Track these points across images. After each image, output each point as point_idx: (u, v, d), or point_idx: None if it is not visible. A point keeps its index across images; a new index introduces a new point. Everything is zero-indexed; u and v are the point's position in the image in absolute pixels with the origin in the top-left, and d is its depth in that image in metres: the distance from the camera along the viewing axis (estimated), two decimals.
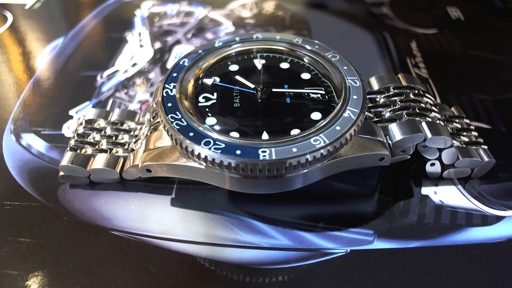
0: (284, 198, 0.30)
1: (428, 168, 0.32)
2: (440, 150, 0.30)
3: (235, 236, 0.29)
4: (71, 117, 0.38)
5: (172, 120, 0.28)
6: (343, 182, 0.32)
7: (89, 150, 0.32)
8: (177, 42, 0.49)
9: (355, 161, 0.28)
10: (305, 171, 0.27)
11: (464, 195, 0.31)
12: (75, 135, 0.33)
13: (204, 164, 0.27)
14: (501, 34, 0.50)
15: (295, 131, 0.28)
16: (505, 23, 0.52)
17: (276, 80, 0.32)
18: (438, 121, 0.30)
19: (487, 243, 0.28)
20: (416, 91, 0.31)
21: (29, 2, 0.56)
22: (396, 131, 0.29)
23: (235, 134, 0.28)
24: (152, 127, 0.30)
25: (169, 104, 0.29)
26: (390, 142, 0.29)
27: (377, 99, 0.31)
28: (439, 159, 0.31)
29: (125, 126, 0.33)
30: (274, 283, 0.26)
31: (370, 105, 0.31)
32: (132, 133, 0.33)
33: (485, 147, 0.32)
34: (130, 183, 0.32)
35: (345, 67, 0.31)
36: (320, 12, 0.55)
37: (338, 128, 0.27)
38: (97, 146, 0.32)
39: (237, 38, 0.34)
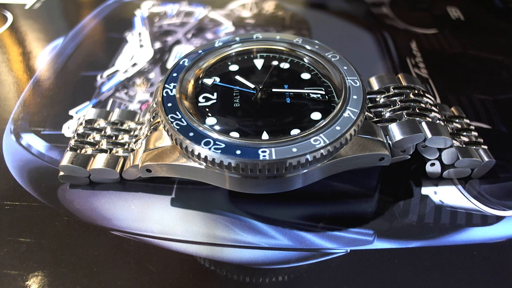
0: (284, 198, 0.30)
1: (428, 168, 0.32)
2: (440, 150, 0.30)
3: (235, 236, 0.29)
4: (71, 117, 0.38)
5: (172, 120, 0.28)
6: (343, 182, 0.32)
7: (89, 150, 0.32)
8: (177, 42, 0.49)
9: (355, 161, 0.28)
10: (305, 171, 0.27)
11: (464, 195, 0.31)
12: (75, 135, 0.33)
13: (204, 164, 0.27)
14: (501, 34, 0.50)
15: (295, 131, 0.28)
16: (505, 23, 0.52)
17: (276, 80, 0.32)
18: (438, 121, 0.30)
19: (487, 243, 0.28)
20: (416, 91, 0.31)
21: (29, 2, 0.56)
22: (396, 131, 0.29)
23: (235, 134, 0.28)
24: (152, 127, 0.30)
25: (169, 104, 0.29)
26: (390, 142, 0.29)
27: (377, 99, 0.31)
28: (439, 159, 0.31)
29: (125, 126, 0.33)
30: (274, 283, 0.26)
31: (370, 105, 0.31)
32: (132, 133, 0.33)
33: (485, 147, 0.32)
34: (130, 183, 0.32)
35: (345, 67, 0.31)
36: (320, 12, 0.55)
37: (338, 128, 0.27)
38: (97, 146, 0.32)
39: (237, 38, 0.34)
